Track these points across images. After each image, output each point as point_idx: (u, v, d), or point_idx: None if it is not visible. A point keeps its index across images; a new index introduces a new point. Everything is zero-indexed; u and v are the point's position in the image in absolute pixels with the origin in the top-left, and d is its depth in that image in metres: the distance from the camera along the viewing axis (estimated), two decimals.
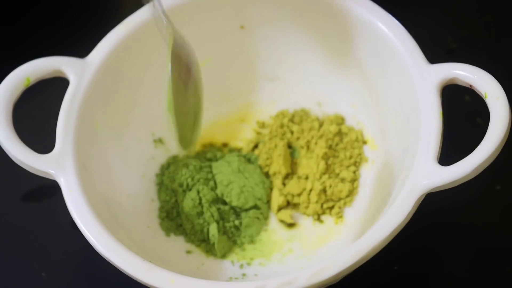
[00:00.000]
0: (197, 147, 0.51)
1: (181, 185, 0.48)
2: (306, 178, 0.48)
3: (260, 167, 0.49)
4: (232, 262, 0.46)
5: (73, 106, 0.44)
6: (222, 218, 0.47)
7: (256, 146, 0.51)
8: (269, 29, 0.50)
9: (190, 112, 0.47)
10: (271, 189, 0.49)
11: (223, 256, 0.46)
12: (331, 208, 0.48)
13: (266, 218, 0.48)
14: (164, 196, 0.48)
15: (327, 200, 0.48)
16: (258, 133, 0.51)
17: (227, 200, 0.47)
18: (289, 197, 0.48)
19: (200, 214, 0.47)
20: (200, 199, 0.47)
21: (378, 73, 0.47)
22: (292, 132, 0.50)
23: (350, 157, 0.49)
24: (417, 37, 0.44)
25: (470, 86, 0.41)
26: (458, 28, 0.56)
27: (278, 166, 0.49)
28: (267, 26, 0.50)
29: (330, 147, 0.49)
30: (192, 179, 0.48)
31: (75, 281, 0.48)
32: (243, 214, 0.47)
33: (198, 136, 0.48)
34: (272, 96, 0.52)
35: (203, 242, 0.47)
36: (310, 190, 0.48)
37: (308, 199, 0.48)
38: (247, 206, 0.47)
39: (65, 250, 0.48)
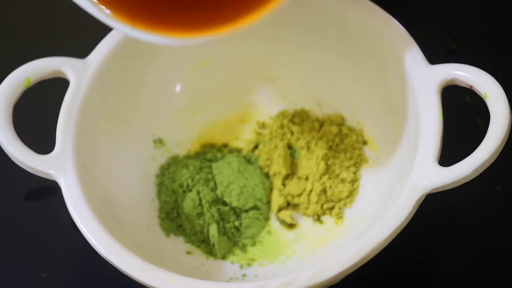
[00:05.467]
0: (197, 147, 0.51)
1: (181, 185, 0.48)
2: (306, 178, 0.48)
3: (260, 168, 0.49)
4: (232, 262, 0.46)
5: (73, 106, 0.44)
6: (222, 219, 0.47)
7: (256, 147, 0.51)
8: (269, 29, 0.50)
9: None
10: (271, 189, 0.49)
11: (223, 257, 0.46)
12: (331, 208, 0.48)
13: (266, 218, 0.48)
14: (164, 196, 0.48)
15: (327, 201, 0.48)
16: (258, 134, 0.51)
17: (227, 200, 0.47)
18: (289, 198, 0.48)
19: (200, 214, 0.47)
20: (200, 200, 0.47)
21: (378, 73, 0.47)
22: (292, 133, 0.50)
23: (350, 158, 0.49)
24: (417, 38, 0.44)
25: (470, 86, 0.41)
26: (458, 28, 0.56)
27: (278, 167, 0.49)
28: (267, 26, 0.50)
29: (330, 147, 0.49)
30: (192, 180, 0.48)
31: (75, 281, 0.48)
32: (243, 215, 0.47)
33: None
34: (272, 97, 0.52)
35: (203, 242, 0.47)
36: (310, 191, 0.48)
37: (308, 199, 0.48)
38: (247, 207, 0.47)
39: (65, 250, 0.48)
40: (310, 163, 0.48)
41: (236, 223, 0.47)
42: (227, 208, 0.47)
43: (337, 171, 0.48)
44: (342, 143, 0.49)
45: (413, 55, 0.43)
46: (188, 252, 0.47)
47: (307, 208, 0.48)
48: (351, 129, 0.50)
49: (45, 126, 0.46)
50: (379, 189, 0.46)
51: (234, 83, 0.52)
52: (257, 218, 0.48)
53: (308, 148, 0.49)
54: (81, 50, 0.47)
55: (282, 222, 0.48)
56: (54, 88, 0.46)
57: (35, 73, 0.44)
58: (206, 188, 0.47)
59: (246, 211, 0.48)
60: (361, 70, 0.48)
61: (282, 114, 0.51)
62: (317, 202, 0.48)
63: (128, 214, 0.46)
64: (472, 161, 0.38)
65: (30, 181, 0.49)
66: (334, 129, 0.49)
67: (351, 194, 0.48)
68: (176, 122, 0.51)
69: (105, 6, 0.40)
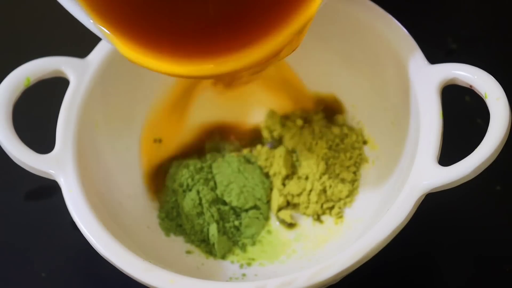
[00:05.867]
0: (197, 147, 0.51)
1: (181, 185, 0.48)
2: (306, 178, 0.48)
3: (260, 168, 0.49)
4: (232, 262, 0.46)
5: (73, 106, 0.44)
6: (222, 218, 0.47)
7: (255, 147, 0.51)
8: None
9: None
10: (271, 189, 0.49)
11: (223, 256, 0.46)
12: (331, 208, 0.48)
13: (266, 218, 0.48)
14: (164, 196, 0.48)
15: (327, 201, 0.48)
16: (258, 133, 0.51)
17: (227, 200, 0.47)
18: (289, 197, 0.48)
19: (200, 214, 0.47)
20: (200, 199, 0.47)
21: (378, 73, 0.47)
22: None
23: (350, 157, 0.49)
24: (417, 37, 0.44)
25: (470, 86, 0.41)
26: (458, 28, 0.56)
27: (278, 167, 0.49)
28: None
29: (330, 147, 0.49)
30: (192, 179, 0.48)
31: (75, 281, 0.48)
32: (243, 214, 0.47)
33: None
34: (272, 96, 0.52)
35: (203, 242, 0.47)
36: (310, 191, 0.48)
37: (308, 199, 0.48)
38: (247, 206, 0.47)
39: (65, 250, 0.48)
40: (310, 162, 0.48)
41: (236, 222, 0.47)
42: (227, 208, 0.47)
43: (337, 171, 0.48)
44: (342, 143, 0.49)
45: (413, 55, 0.43)
46: (188, 252, 0.47)
47: (307, 207, 0.48)
48: (351, 129, 0.50)
49: (45, 126, 0.46)
50: (379, 189, 0.46)
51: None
52: (257, 218, 0.48)
53: (309, 148, 0.49)
54: (81, 50, 0.47)
55: (282, 221, 0.48)
56: (54, 88, 0.46)
57: (35, 72, 0.44)
58: (206, 187, 0.47)
59: (246, 210, 0.48)
60: (361, 69, 0.48)
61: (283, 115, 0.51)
62: (317, 202, 0.48)
63: (128, 214, 0.46)
64: (472, 161, 0.38)
65: (30, 181, 0.49)
66: (335, 129, 0.49)
67: (351, 193, 0.48)
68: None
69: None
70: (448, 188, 0.39)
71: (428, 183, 0.39)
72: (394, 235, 0.38)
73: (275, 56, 0.39)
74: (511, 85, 0.42)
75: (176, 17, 0.39)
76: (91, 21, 0.39)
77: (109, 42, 0.39)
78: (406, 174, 0.40)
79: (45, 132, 0.46)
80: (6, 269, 0.48)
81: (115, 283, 0.46)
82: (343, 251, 0.38)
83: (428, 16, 0.56)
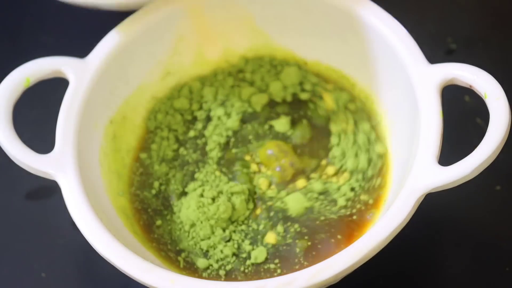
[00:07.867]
0: None
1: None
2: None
3: None
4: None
5: (73, 106, 0.44)
6: None
7: None
8: (267, 31, 0.50)
9: None
10: None
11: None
12: None
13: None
14: None
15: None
16: None
17: None
18: None
19: None
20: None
21: (377, 73, 0.47)
22: None
23: None
24: (417, 37, 0.44)
25: (470, 86, 0.41)
26: (458, 28, 0.56)
27: None
28: (265, 27, 0.50)
29: None
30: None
31: (75, 281, 0.48)
32: None
33: None
34: None
35: None
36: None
37: None
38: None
39: (65, 250, 0.48)
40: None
41: None
42: None
43: None
44: None
45: (413, 55, 0.43)
46: None
47: None
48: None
49: (45, 126, 0.46)
50: None
51: None
52: None
53: None
54: (81, 50, 0.47)
55: None
56: (54, 88, 0.46)
57: (35, 73, 0.44)
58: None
59: None
60: (360, 69, 0.48)
61: None
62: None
63: None
64: (471, 161, 0.38)
65: (30, 181, 0.49)
66: None
67: None
68: None
69: None
70: (448, 188, 0.39)
71: (428, 183, 0.39)
72: (394, 235, 0.38)
73: None
74: (511, 85, 0.42)
75: None
76: None
77: None
78: (406, 174, 0.40)
79: (45, 132, 0.46)
80: (6, 269, 0.48)
81: (115, 283, 0.46)
82: (343, 251, 0.38)
83: (428, 16, 0.56)
